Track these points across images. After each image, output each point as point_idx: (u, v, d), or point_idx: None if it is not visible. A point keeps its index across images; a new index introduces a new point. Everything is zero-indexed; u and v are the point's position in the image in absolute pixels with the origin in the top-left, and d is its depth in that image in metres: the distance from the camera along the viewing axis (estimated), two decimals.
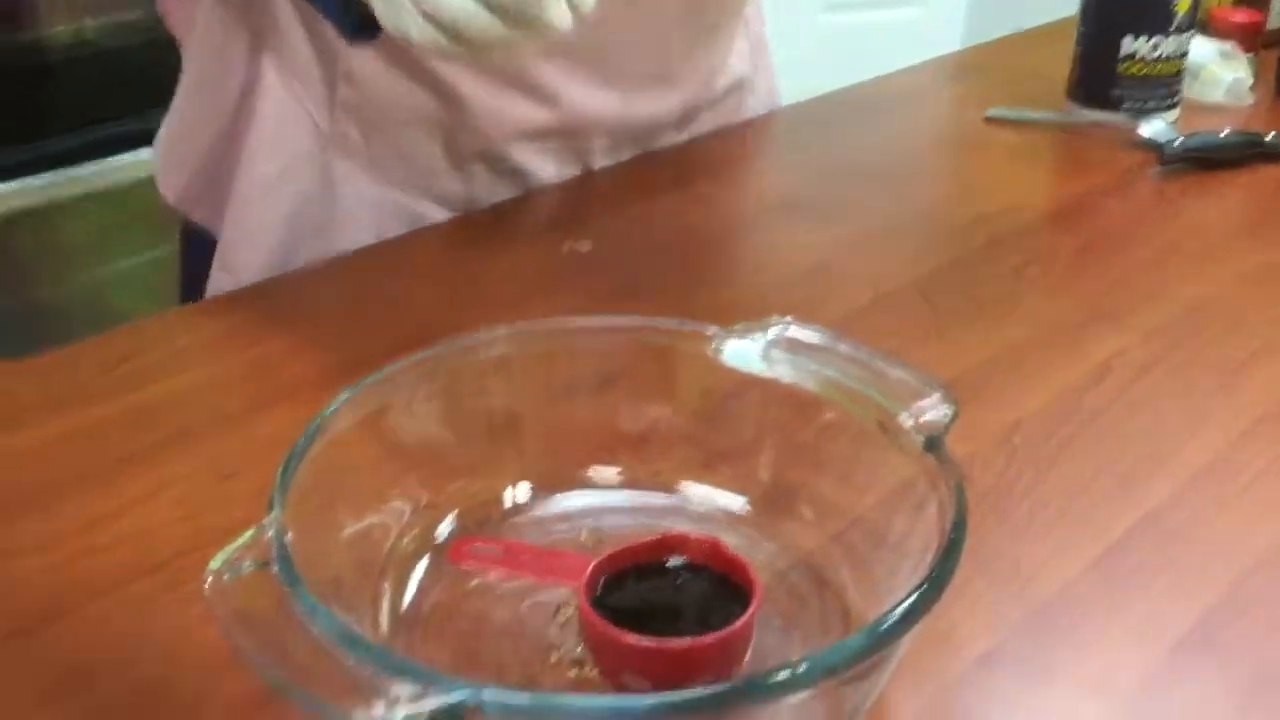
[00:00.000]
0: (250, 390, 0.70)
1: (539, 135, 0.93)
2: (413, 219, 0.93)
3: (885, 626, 0.44)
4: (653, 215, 0.93)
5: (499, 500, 0.58)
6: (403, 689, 0.40)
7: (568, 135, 0.95)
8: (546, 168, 0.96)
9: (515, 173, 0.95)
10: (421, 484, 0.56)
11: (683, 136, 1.04)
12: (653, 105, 0.98)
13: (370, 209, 0.92)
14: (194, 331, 0.77)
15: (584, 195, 0.97)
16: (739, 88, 1.08)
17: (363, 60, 0.87)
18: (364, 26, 0.62)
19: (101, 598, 0.55)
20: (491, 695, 0.40)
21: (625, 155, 1.00)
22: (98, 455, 0.64)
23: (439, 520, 0.56)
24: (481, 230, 0.91)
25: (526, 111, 0.91)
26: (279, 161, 0.90)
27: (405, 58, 0.87)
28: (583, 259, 0.86)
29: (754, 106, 1.11)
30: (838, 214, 0.90)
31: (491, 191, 0.94)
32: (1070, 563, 0.59)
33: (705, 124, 1.05)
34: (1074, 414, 0.70)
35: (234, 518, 0.59)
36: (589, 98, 0.92)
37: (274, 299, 0.82)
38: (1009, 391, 0.71)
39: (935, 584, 0.46)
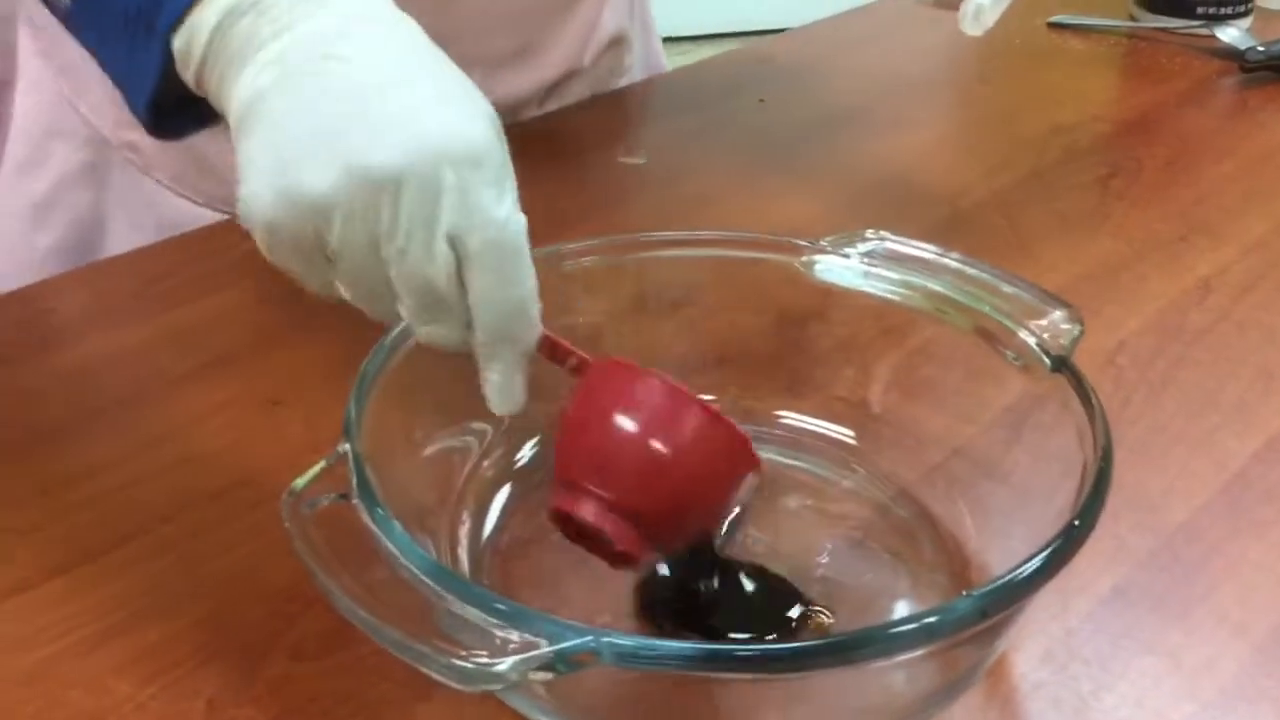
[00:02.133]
0: (293, 310, 0.65)
1: None
2: None
3: (1027, 574, 0.39)
4: (703, 128, 0.88)
5: None
6: (511, 634, 0.36)
7: None
8: None
9: None
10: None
11: (549, 107, 0.89)
12: (515, 83, 0.84)
13: (165, 235, 0.73)
14: (228, 250, 0.71)
15: (624, 108, 0.92)
16: (615, 45, 0.91)
17: None
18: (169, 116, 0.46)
19: (154, 530, 0.51)
20: (611, 641, 0.36)
21: None
22: (138, 378, 0.60)
23: (520, 444, 0.52)
24: (526, 143, 0.85)
25: None
26: (45, 179, 0.73)
27: None
28: (640, 173, 0.81)
29: (631, 66, 0.94)
30: (905, 125, 0.84)
31: None
32: (1194, 490, 0.54)
33: (574, 94, 0.90)
34: (1179, 333, 0.65)
35: (287, 445, 0.55)
36: None
37: None
38: (1107, 310, 0.67)
39: (1085, 524, 0.41)
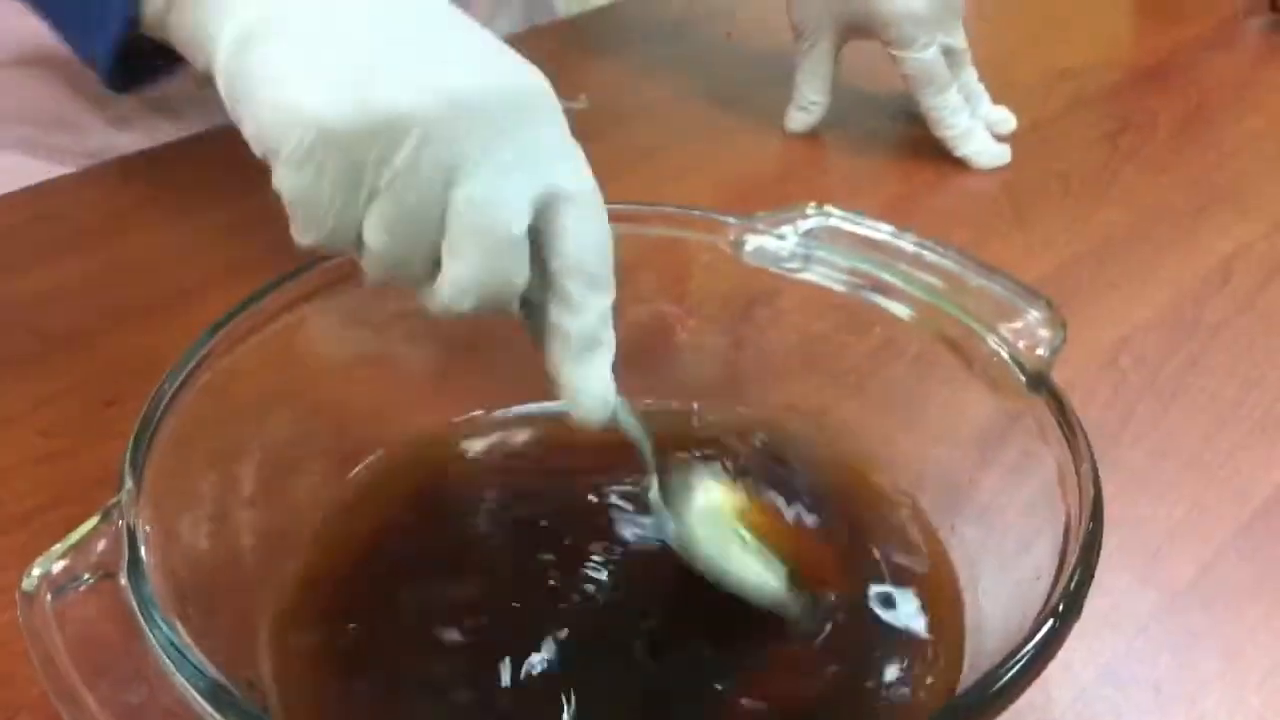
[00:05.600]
0: (146, 285, 0.55)
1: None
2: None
3: (1002, 683, 0.31)
4: (658, 65, 0.78)
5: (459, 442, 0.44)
6: None
7: None
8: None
9: (181, 108, 0.68)
10: (352, 421, 0.41)
11: None
12: None
13: None
14: (54, 216, 0.61)
15: (570, 41, 0.81)
16: None
17: None
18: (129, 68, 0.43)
19: None
20: None
21: None
22: None
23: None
24: None
25: None
26: None
27: None
28: (580, 119, 0.70)
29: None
30: (883, 68, 0.74)
31: (153, 137, 0.68)
32: (1208, 531, 0.45)
33: (501, 27, 0.80)
34: (1194, 328, 0.55)
35: (115, 461, 0.45)
36: None
37: (158, 174, 0.65)
38: (1110, 297, 0.57)
39: (1069, 613, 0.32)
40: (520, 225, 0.35)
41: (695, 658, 0.38)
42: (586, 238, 0.36)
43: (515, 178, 0.35)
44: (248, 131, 0.35)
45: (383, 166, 0.34)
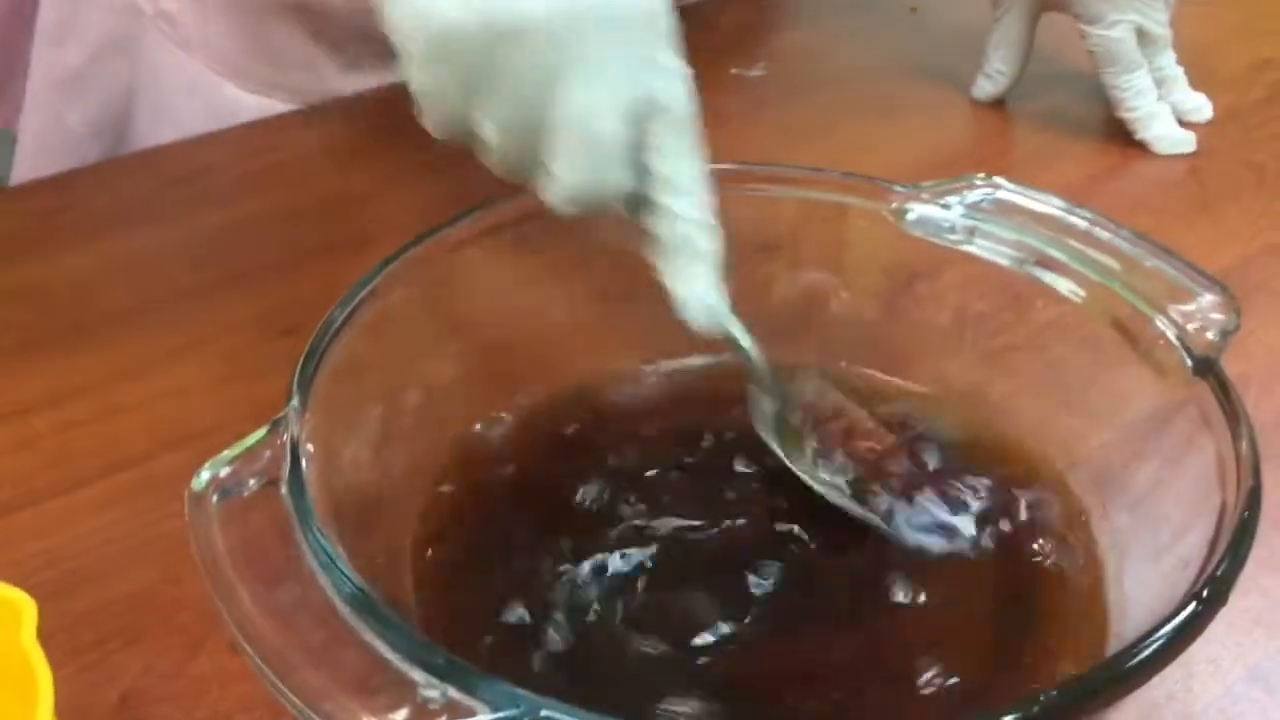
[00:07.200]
0: (328, 228, 0.57)
1: None
2: None
3: (1138, 659, 0.30)
4: (839, 38, 0.77)
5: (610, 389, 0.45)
6: (432, 694, 0.28)
7: None
8: None
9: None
10: (509, 362, 0.43)
11: None
12: None
13: (210, 119, 0.67)
14: (267, 151, 0.64)
15: (747, 12, 0.81)
16: None
17: None
18: None
19: (112, 475, 0.45)
20: (552, 712, 0.28)
21: None
22: (134, 294, 0.54)
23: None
24: None
25: None
26: (76, 50, 0.67)
27: None
28: (756, 88, 0.71)
29: None
30: (1070, 47, 0.71)
31: (384, 80, 0.68)
32: None
33: None
34: None
35: (287, 386, 0.48)
36: None
37: (371, 116, 0.67)
38: None
39: (1212, 601, 0.32)
40: (613, 137, 0.37)
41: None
42: (673, 152, 0.38)
43: (615, 91, 0.37)
44: (388, 29, 0.38)
45: (500, 70, 0.36)
